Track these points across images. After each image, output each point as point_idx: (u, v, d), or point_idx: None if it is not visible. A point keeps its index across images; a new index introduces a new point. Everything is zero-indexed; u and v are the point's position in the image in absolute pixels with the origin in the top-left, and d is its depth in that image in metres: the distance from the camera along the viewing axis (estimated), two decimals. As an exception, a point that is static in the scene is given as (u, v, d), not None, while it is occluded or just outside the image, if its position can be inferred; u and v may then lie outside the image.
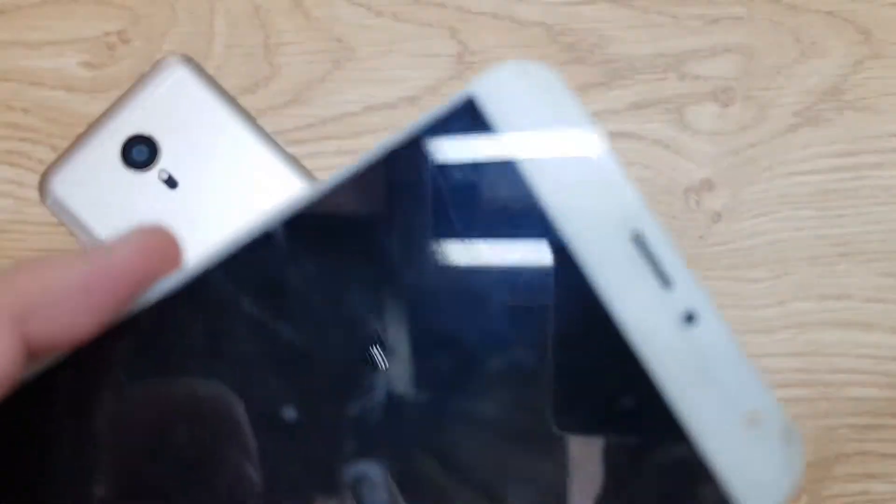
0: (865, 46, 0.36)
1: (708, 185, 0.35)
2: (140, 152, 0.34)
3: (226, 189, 0.34)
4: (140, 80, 0.34)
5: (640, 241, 0.15)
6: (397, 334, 0.15)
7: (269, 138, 0.34)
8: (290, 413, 0.15)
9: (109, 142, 0.34)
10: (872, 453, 0.34)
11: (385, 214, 0.15)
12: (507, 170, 0.15)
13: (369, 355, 0.15)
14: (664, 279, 0.15)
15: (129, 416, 0.15)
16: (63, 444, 0.15)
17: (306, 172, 0.35)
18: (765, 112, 0.36)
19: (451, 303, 0.15)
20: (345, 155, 0.36)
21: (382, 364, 0.15)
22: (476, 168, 0.15)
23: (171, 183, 0.34)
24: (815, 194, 0.35)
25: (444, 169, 0.15)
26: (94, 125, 0.34)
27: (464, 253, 0.15)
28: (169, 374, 0.15)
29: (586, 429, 0.15)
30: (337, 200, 0.15)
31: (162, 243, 0.15)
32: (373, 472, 0.15)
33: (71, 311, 0.14)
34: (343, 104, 0.36)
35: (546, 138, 0.15)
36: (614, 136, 0.36)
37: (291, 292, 0.15)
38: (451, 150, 0.15)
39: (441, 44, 0.36)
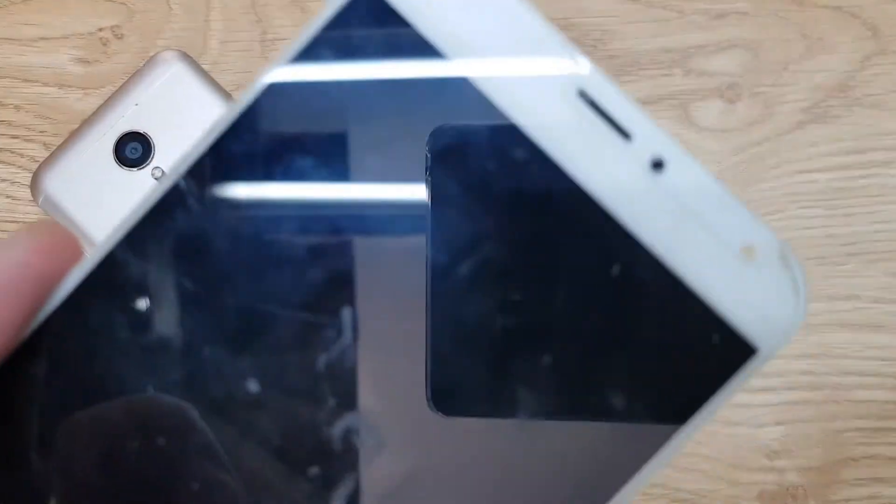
0: (873, 42, 0.36)
1: (714, 183, 0.35)
2: (133, 150, 0.33)
3: (221, 187, 0.33)
4: (134, 77, 0.34)
5: (587, 98, 0.14)
6: (355, 272, 0.14)
7: (265, 135, 0.34)
8: (253, 385, 0.14)
9: (102, 139, 0.33)
10: (881, 457, 0.34)
11: (302, 132, 0.14)
12: (427, 55, 0.14)
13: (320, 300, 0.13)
14: (622, 132, 0.14)
15: (79, 430, 0.14)
16: (9, 455, 0.14)
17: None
18: (771, 109, 0.35)
19: (405, 212, 0.14)
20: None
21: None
22: (389, 63, 0.14)
23: (165, 181, 0.33)
24: (823, 192, 0.35)
25: (355, 68, 0.14)
26: (86, 122, 0.34)
27: (404, 158, 0.14)
28: (105, 368, 0.14)
29: (582, 304, 0.14)
30: (238, 140, 0.13)
31: (56, 238, 0.14)
32: (357, 421, 0.14)
33: None
34: (341, 101, 0.35)
35: (471, 21, 0.13)
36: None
37: (216, 251, 0.13)
38: (357, 47, 0.14)
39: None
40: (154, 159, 0.33)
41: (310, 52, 0.13)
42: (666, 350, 0.14)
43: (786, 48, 0.36)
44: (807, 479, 0.34)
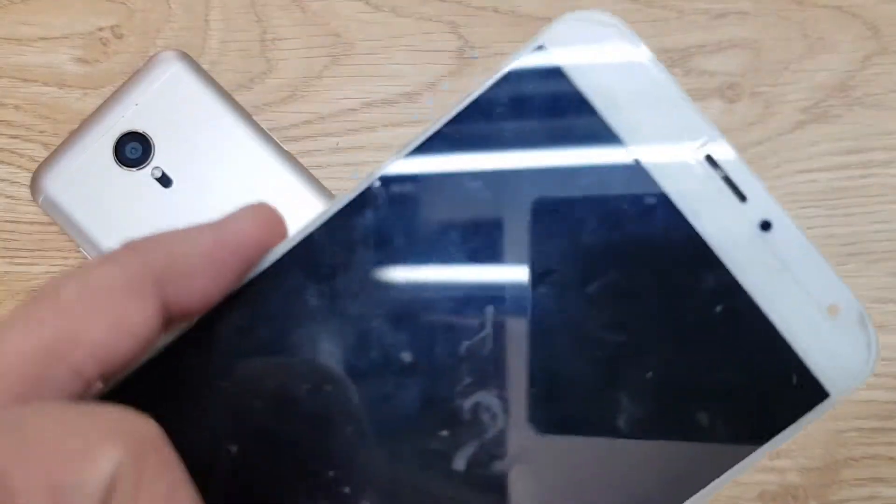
0: (873, 42, 0.36)
1: (714, 182, 0.35)
2: (133, 150, 0.33)
3: (221, 188, 0.34)
4: (133, 77, 0.34)
5: (713, 163, 0.16)
6: (500, 278, 0.17)
7: (265, 135, 0.34)
8: (406, 356, 0.17)
9: (102, 139, 0.33)
10: (881, 457, 0.34)
11: (477, 164, 0.17)
12: (583, 114, 0.17)
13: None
14: (739, 194, 0.16)
15: (258, 382, 0.17)
16: (196, 406, 0.17)
17: (303, 169, 0.34)
18: (771, 108, 0.35)
19: (545, 241, 0.17)
20: (342, 152, 0.35)
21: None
22: (553, 112, 0.17)
23: (164, 181, 0.33)
24: (823, 192, 0.35)
25: (526, 115, 0.17)
26: (86, 122, 0.34)
27: (557, 186, 0.17)
28: (288, 337, 0.17)
29: (685, 328, 0.17)
30: (428, 155, 0.17)
31: (272, 216, 0.17)
32: (489, 401, 0.17)
33: (200, 279, 0.16)
34: (341, 100, 0.35)
35: (618, 83, 0.16)
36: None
37: (393, 245, 0.17)
38: (529, 96, 0.17)
39: (441, 39, 0.36)
40: (154, 159, 0.33)
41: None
42: (752, 383, 0.16)
43: (786, 48, 0.36)
44: (807, 479, 0.34)
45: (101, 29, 0.36)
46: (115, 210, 0.33)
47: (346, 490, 0.17)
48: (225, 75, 0.35)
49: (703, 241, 0.16)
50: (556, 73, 0.17)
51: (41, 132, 0.35)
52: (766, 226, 0.16)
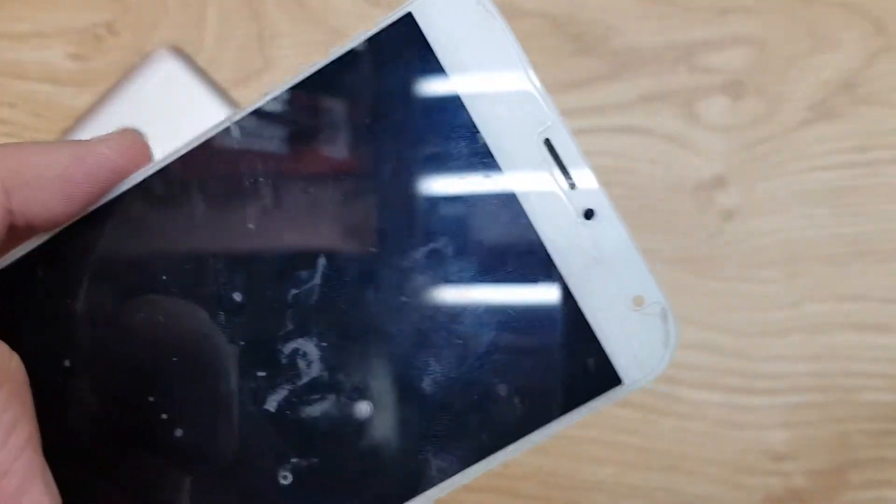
0: (879, 39, 0.35)
1: (719, 181, 0.35)
2: (128, 147, 0.33)
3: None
4: (129, 73, 0.34)
5: (551, 148, 0.17)
6: (336, 234, 0.17)
7: (262, 133, 0.34)
8: (237, 296, 0.18)
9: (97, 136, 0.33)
10: (888, 459, 0.34)
11: (329, 119, 0.18)
12: (437, 80, 0.17)
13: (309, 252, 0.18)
14: (570, 181, 0.17)
15: (96, 304, 0.18)
16: (38, 320, 0.17)
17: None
18: (777, 106, 0.35)
19: (384, 202, 0.17)
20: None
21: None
22: (409, 80, 0.17)
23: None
24: (830, 191, 0.35)
25: (382, 80, 0.17)
26: (81, 119, 0.33)
27: (396, 158, 0.17)
28: (131, 265, 0.18)
29: (498, 302, 0.17)
30: (286, 105, 0.17)
31: (136, 144, 0.17)
32: (308, 348, 0.17)
33: (51, 195, 0.16)
34: (339, 98, 0.35)
35: (477, 58, 0.17)
36: (621, 130, 0.35)
37: (243, 188, 0.17)
38: (389, 62, 0.17)
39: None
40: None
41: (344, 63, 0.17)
42: (553, 363, 0.17)
43: (791, 45, 0.35)
44: (813, 482, 0.34)
45: (95, 25, 0.35)
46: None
47: (164, 416, 0.18)
48: (221, 72, 0.35)
49: (528, 221, 0.17)
50: (417, 40, 0.17)
51: (36, 130, 0.35)
52: (589, 214, 0.17)
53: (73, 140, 0.17)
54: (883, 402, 0.34)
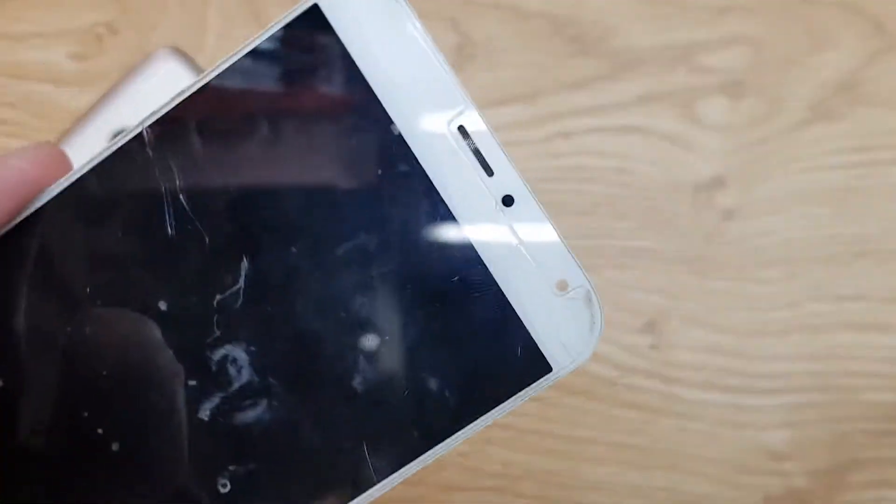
0: (879, 39, 0.35)
1: (718, 181, 0.35)
2: (128, 147, 0.33)
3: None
4: (129, 73, 0.34)
5: (465, 134, 0.17)
6: (257, 234, 0.17)
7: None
8: (163, 305, 0.17)
9: (97, 136, 0.33)
10: (888, 459, 0.34)
11: (240, 115, 0.17)
12: (348, 76, 0.17)
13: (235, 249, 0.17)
14: (487, 168, 0.17)
15: (26, 318, 0.17)
16: None
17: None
18: (776, 106, 0.35)
19: (301, 199, 0.17)
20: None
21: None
22: (320, 73, 0.17)
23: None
24: (829, 192, 0.35)
25: (292, 74, 0.17)
26: (81, 119, 0.33)
27: (309, 151, 0.17)
28: (54, 276, 0.17)
29: (423, 295, 0.17)
30: (197, 105, 0.17)
31: (53, 157, 0.17)
32: (237, 354, 0.17)
33: None
34: (339, 98, 0.35)
35: (386, 48, 0.17)
36: (621, 130, 0.35)
37: (159, 195, 0.17)
38: (299, 54, 0.17)
39: (441, 35, 0.35)
40: (149, 157, 0.33)
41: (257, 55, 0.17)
42: (481, 353, 0.17)
43: (791, 44, 0.35)
44: (813, 482, 0.33)
45: (96, 25, 0.35)
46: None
47: (100, 431, 0.17)
48: (222, 72, 0.35)
49: (448, 210, 0.17)
50: (324, 32, 0.17)
51: (36, 130, 0.35)
52: (508, 200, 0.17)
53: None
54: (883, 402, 0.34)
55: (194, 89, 0.17)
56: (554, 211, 0.34)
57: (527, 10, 0.35)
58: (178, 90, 0.17)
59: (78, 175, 0.17)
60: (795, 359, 0.34)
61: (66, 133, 0.33)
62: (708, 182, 0.35)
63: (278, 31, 0.17)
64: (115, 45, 0.35)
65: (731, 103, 0.35)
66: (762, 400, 0.34)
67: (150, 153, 0.17)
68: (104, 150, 0.17)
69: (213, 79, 0.17)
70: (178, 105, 0.17)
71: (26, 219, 0.17)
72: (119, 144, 0.17)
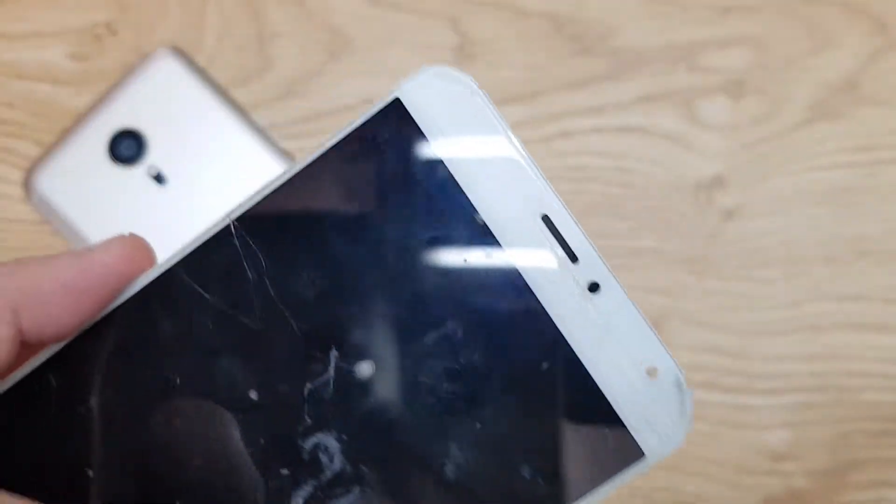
0: (880, 38, 0.35)
1: (719, 181, 0.35)
2: (128, 147, 0.33)
3: (216, 186, 0.33)
4: (128, 73, 0.34)
5: (549, 223, 0.17)
6: (345, 324, 0.18)
7: (262, 133, 0.34)
8: (253, 394, 0.17)
9: (96, 136, 0.33)
10: (888, 459, 0.34)
11: (328, 206, 0.18)
12: (432, 167, 0.17)
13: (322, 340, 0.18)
14: (571, 255, 0.17)
15: (114, 409, 0.17)
16: (56, 432, 0.17)
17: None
18: (778, 106, 0.35)
19: (389, 288, 0.17)
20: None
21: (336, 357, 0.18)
22: (405, 165, 0.17)
23: (159, 179, 0.33)
24: (831, 191, 0.35)
25: (378, 166, 0.17)
26: (80, 119, 0.33)
27: (397, 242, 0.18)
28: (143, 368, 0.18)
29: (513, 382, 0.17)
30: (284, 198, 0.18)
31: (138, 249, 0.17)
32: (328, 442, 0.17)
33: (59, 309, 0.16)
34: (339, 97, 0.35)
35: (466, 138, 0.17)
36: (621, 130, 0.35)
37: (247, 285, 0.17)
38: (383, 148, 0.17)
39: (441, 35, 0.35)
40: (148, 157, 0.33)
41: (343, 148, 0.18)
42: (573, 440, 0.17)
43: (792, 44, 0.35)
44: (813, 483, 0.33)
45: (95, 25, 0.35)
46: (110, 208, 0.33)
47: None
48: (221, 72, 0.35)
49: (535, 298, 0.17)
50: (407, 125, 0.17)
51: (35, 130, 0.35)
52: (594, 287, 0.17)
53: (77, 251, 0.17)
54: (883, 402, 0.34)
55: (280, 182, 0.17)
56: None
57: (527, 9, 0.35)
58: (264, 183, 0.18)
59: (165, 268, 0.18)
60: (795, 359, 0.34)
61: (66, 133, 0.33)
62: (708, 182, 0.35)
63: (362, 124, 0.17)
64: (114, 45, 0.35)
65: (731, 103, 0.35)
66: (762, 400, 0.34)
67: (238, 245, 0.17)
68: (191, 242, 0.18)
69: (300, 171, 0.17)
70: (263, 198, 0.17)
71: (115, 309, 0.18)
72: (206, 237, 0.18)
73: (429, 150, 0.17)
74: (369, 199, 0.17)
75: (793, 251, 0.34)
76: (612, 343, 0.17)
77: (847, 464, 0.34)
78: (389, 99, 0.17)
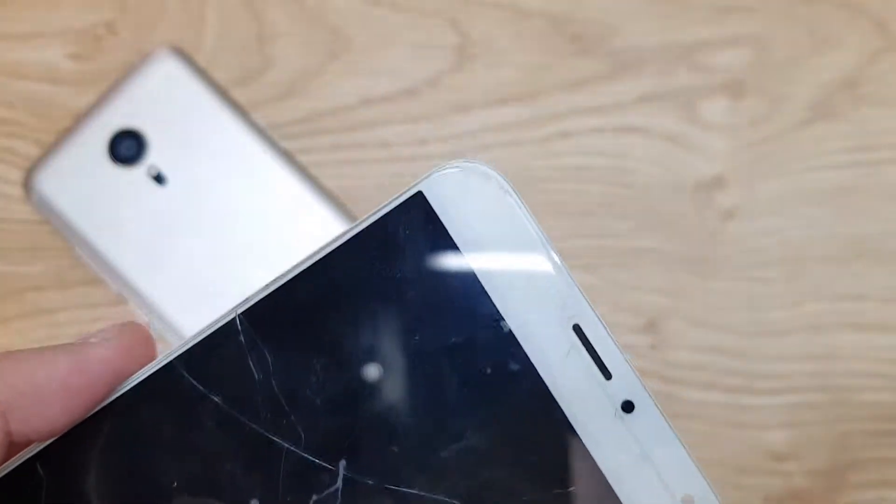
0: (880, 39, 0.35)
1: (719, 181, 0.35)
2: (128, 147, 0.33)
3: (217, 186, 0.33)
4: (128, 73, 0.34)
5: (581, 335, 0.16)
6: (357, 432, 0.16)
7: (262, 133, 0.34)
8: None
9: (96, 136, 0.33)
10: (888, 459, 0.34)
11: (341, 305, 0.16)
12: (454, 268, 0.16)
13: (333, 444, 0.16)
14: (605, 371, 0.16)
15: None
16: None
17: (301, 168, 0.34)
18: (778, 106, 0.35)
19: (404, 397, 0.16)
20: (341, 150, 0.35)
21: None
22: (425, 264, 0.16)
23: (159, 179, 0.33)
24: (830, 191, 0.35)
25: (396, 264, 0.16)
26: (80, 119, 0.33)
27: (416, 343, 0.16)
28: (138, 468, 0.17)
29: None
30: (294, 293, 0.16)
31: (138, 341, 0.17)
32: None
33: (51, 407, 0.16)
34: (339, 97, 0.35)
35: (494, 238, 0.16)
36: (621, 130, 0.35)
37: (252, 385, 0.16)
38: (404, 245, 0.16)
39: (441, 34, 0.35)
40: (148, 157, 0.33)
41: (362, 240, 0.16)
42: None
43: (792, 44, 0.35)
44: (813, 482, 0.33)
45: (95, 25, 0.35)
46: (110, 208, 0.33)
47: None
48: (221, 72, 0.35)
49: (563, 415, 0.16)
50: (429, 219, 0.16)
51: (35, 130, 0.35)
52: (628, 407, 0.16)
53: (70, 345, 0.16)
54: (883, 402, 0.34)
55: (291, 275, 0.16)
56: (554, 211, 0.34)
57: (527, 9, 0.35)
58: (274, 277, 0.17)
59: (165, 362, 0.17)
60: (795, 359, 0.34)
61: (66, 133, 0.33)
62: (708, 182, 0.35)
63: (381, 217, 0.16)
64: (114, 45, 0.35)
65: (731, 103, 0.35)
66: (762, 400, 0.34)
67: (243, 341, 0.16)
68: (194, 336, 0.17)
69: (313, 264, 0.16)
70: (272, 292, 0.16)
71: (109, 405, 0.17)
72: (210, 331, 0.17)
73: (452, 247, 0.16)
74: (386, 298, 0.16)
75: (793, 251, 0.34)
76: (646, 468, 0.16)
77: (847, 464, 0.33)
78: (412, 192, 0.16)
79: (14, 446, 0.16)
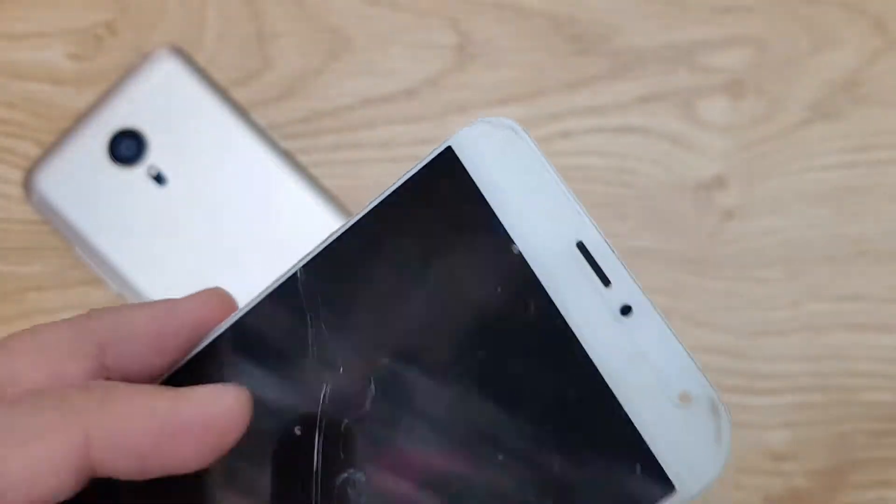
0: (880, 38, 0.35)
1: (719, 181, 0.35)
2: (128, 147, 0.33)
3: (217, 186, 0.33)
4: (128, 73, 0.34)
5: (583, 248, 0.17)
6: (392, 365, 0.18)
7: (262, 133, 0.34)
8: (297, 429, 0.18)
9: (96, 136, 0.33)
10: (888, 459, 0.34)
11: (392, 253, 0.18)
12: (476, 204, 0.18)
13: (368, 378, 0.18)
14: (604, 279, 0.17)
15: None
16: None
17: (301, 168, 0.34)
18: (777, 106, 0.35)
19: (424, 317, 0.18)
20: (341, 150, 0.35)
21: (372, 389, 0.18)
22: (454, 206, 0.18)
23: (159, 179, 0.33)
24: (830, 191, 0.35)
25: (428, 211, 0.18)
26: (80, 119, 0.33)
27: (439, 276, 0.18)
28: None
29: (538, 411, 0.17)
30: (350, 241, 0.18)
31: (221, 299, 0.19)
32: (356, 477, 0.17)
33: (145, 349, 0.17)
34: (339, 97, 0.35)
35: (513, 179, 0.18)
36: (621, 130, 0.35)
37: (304, 331, 0.18)
38: (435, 190, 0.18)
39: (441, 34, 0.35)
40: (148, 157, 0.33)
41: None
42: (600, 470, 0.16)
43: (792, 44, 0.35)
44: (813, 482, 0.33)
45: (95, 25, 0.35)
46: (110, 208, 0.33)
47: None
48: (221, 71, 0.35)
49: (566, 324, 0.17)
50: (458, 174, 0.18)
51: (35, 130, 0.35)
52: (626, 310, 0.17)
53: (163, 300, 0.18)
54: (883, 402, 0.34)
55: (346, 228, 0.18)
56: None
57: (527, 9, 0.35)
58: (325, 237, 0.18)
59: (241, 314, 0.18)
60: (795, 359, 0.34)
61: (66, 133, 0.33)
62: (708, 182, 0.35)
63: (417, 172, 0.18)
64: (114, 45, 0.35)
65: (731, 103, 0.35)
66: (762, 400, 0.34)
67: (302, 293, 0.18)
68: (261, 292, 0.18)
69: (362, 217, 0.18)
70: (331, 243, 0.18)
71: (197, 355, 0.18)
72: (275, 286, 0.18)
73: (476, 192, 0.18)
74: (421, 247, 0.18)
75: (793, 251, 0.34)
76: (644, 367, 0.16)
77: (847, 464, 0.33)
78: (443, 147, 0.18)
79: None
